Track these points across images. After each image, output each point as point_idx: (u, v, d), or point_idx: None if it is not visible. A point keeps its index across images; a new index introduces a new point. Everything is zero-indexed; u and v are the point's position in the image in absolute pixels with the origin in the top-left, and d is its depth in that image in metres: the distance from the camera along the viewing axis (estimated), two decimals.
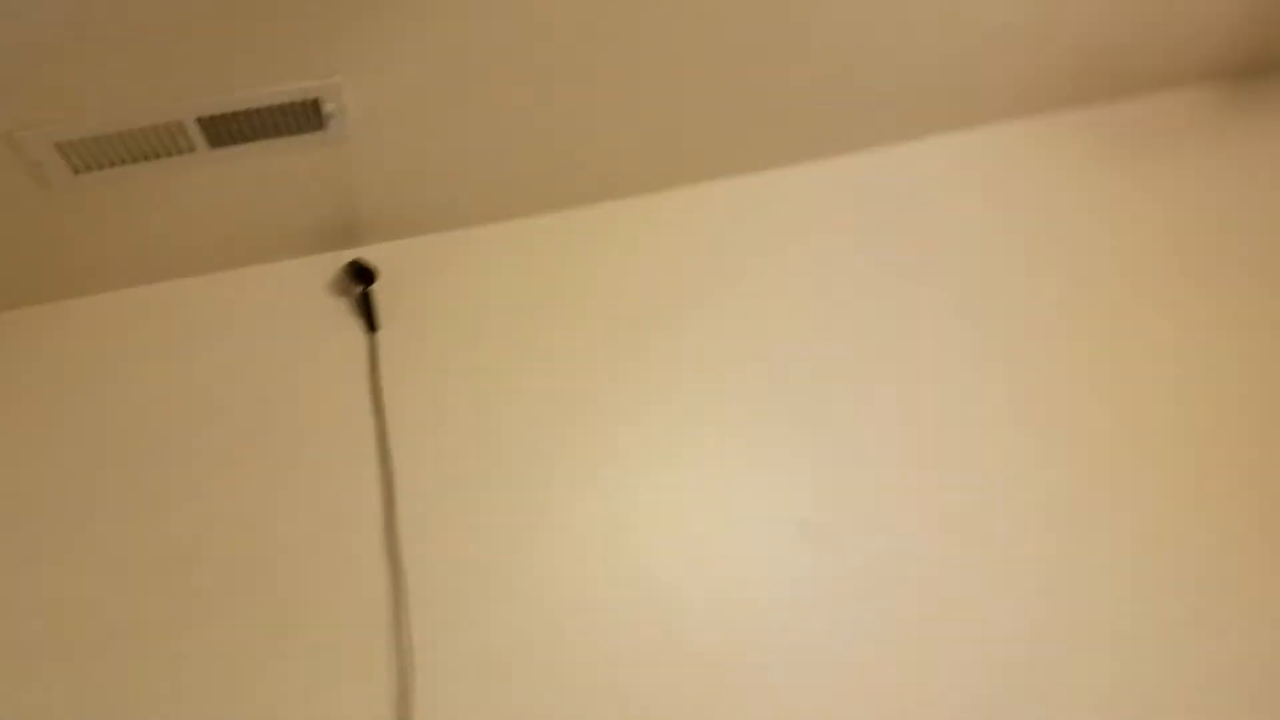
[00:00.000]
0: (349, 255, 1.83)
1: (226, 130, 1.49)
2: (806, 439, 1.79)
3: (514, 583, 1.65)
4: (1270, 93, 2.09)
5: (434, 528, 1.68)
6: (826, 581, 1.69)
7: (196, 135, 1.48)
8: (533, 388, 1.77)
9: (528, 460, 1.73)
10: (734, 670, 1.63)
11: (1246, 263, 1.95)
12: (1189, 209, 1.99)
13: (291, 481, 1.69)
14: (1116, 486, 1.77)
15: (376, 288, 1.81)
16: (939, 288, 1.91)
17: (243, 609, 1.62)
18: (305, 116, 1.52)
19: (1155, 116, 2.06)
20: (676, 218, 1.91)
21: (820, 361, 1.83)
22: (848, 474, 1.77)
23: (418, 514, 1.69)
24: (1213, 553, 1.73)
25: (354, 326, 1.80)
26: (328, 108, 1.51)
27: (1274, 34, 2.02)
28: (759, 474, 1.76)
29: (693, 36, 1.58)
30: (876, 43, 1.71)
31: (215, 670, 1.58)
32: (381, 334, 1.79)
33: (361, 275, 1.80)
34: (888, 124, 1.95)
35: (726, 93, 1.74)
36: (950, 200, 1.98)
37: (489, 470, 1.72)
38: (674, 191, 1.93)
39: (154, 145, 1.47)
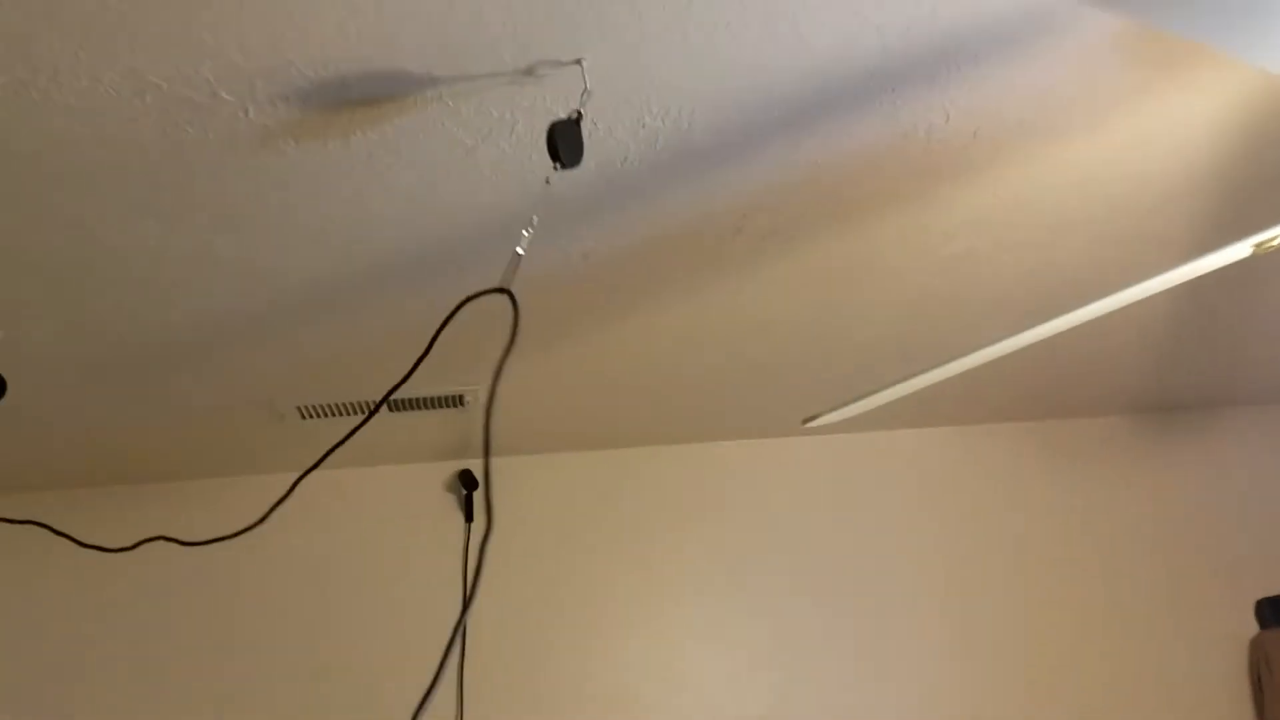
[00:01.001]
0: (462, 465, 2.64)
1: (401, 404, 2.30)
2: (775, 646, 2.55)
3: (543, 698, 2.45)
4: (1170, 427, 2.79)
5: (497, 672, 2.48)
6: None
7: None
8: (581, 583, 2.57)
9: (569, 634, 2.53)
10: None
11: (1135, 565, 2.66)
12: (1098, 514, 2.69)
13: (393, 627, 2.51)
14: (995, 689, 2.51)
15: (477, 492, 2.61)
16: (889, 541, 2.65)
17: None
18: (451, 401, 2.32)
19: (1078, 438, 2.77)
20: (713, 460, 2.68)
21: (793, 592, 2.59)
22: (803, 678, 2.53)
23: (484, 659, 2.49)
24: None
25: (457, 516, 2.60)
26: (467, 399, 2.31)
27: (1178, 381, 2.69)
28: (737, 673, 2.54)
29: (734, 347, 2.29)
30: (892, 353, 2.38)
31: None
32: (475, 524, 2.60)
33: (467, 481, 2.60)
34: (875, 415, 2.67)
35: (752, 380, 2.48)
36: (907, 479, 2.72)
37: (547, 633, 2.52)
38: (711, 443, 2.70)
39: (355, 408, 2.29)
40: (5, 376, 1.76)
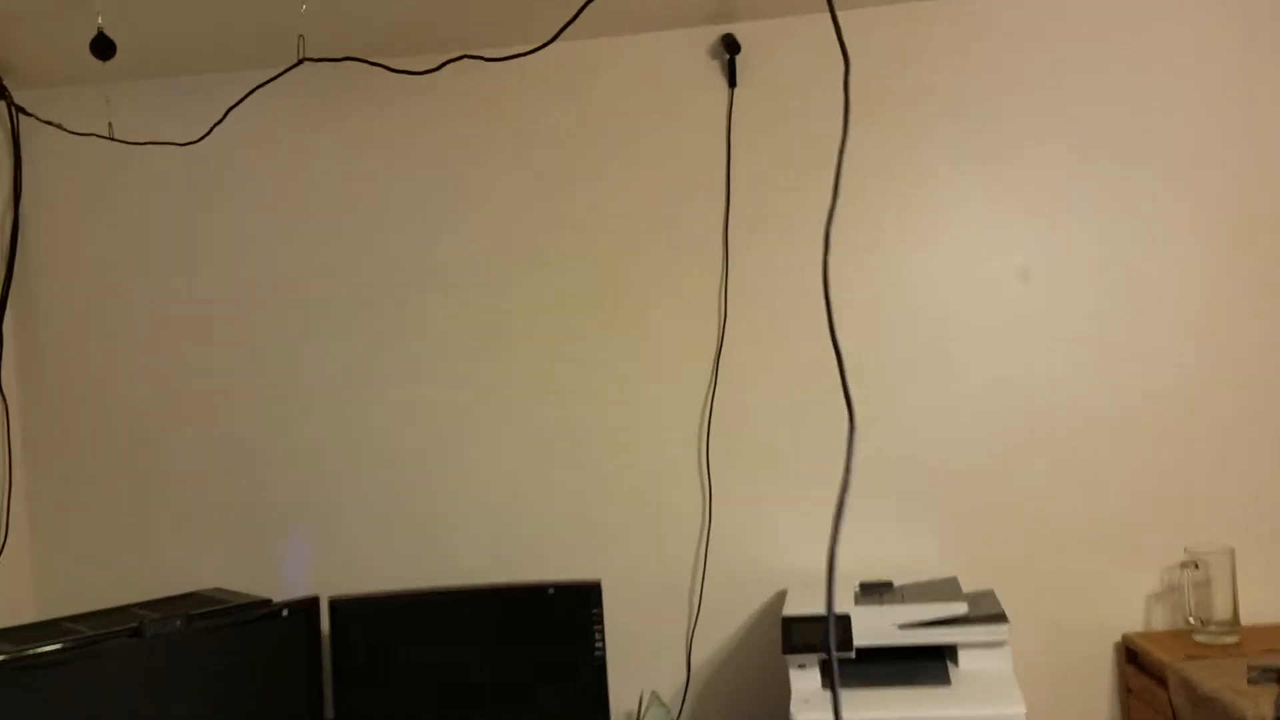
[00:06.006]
0: (724, 30, 2.70)
1: None
2: (1029, 216, 2.60)
3: (810, 284, 2.66)
4: None
5: (756, 230, 2.68)
6: (1031, 299, 2.60)
7: None
8: (847, 147, 2.66)
9: (821, 195, 2.66)
10: (963, 341, 2.61)
11: None
12: None
13: (664, 184, 2.72)
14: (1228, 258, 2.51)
15: (740, 56, 2.68)
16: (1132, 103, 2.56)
17: (609, 273, 2.72)
18: None
19: None
20: (982, 17, 2.62)
21: (1049, 156, 2.59)
22: (1051, 239, 2.59)
23: (746, 218, 2.68)
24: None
25: (721, 83, 2.70)
26: None
27: None
28: (996, 233, 2.61)
29: None
30: None
31: (596, 300, 2.73)
32: (738, 90, 2.69)
33: (730, 45, 2.67)
34: None
35: None
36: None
37: (802, 194, 2.67)
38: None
39: None
40: None
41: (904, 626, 2.28)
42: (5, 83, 2.80)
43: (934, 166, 2.63)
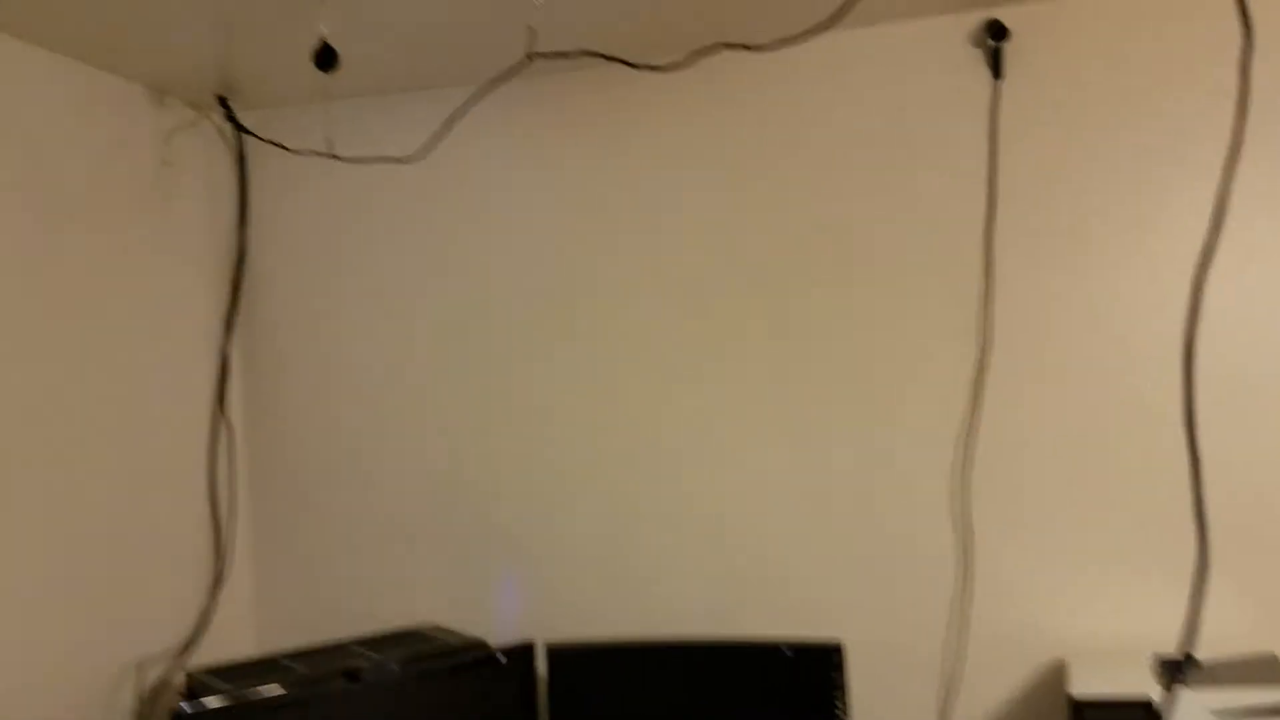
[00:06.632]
0: (988, 14, 2.36)
1: None
2: None
3: (1078, 290, 2.30)
4: None
5: (1028, 241, 2.33)
6: None
7: None
8: (1128, 147, 2.27)
9: (1111, 202, 2.28)
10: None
11: None
12: None
13: (913, 190, 2.40)
14: None
15: (1007, 44, 2.34)
16: None
17: (847, 292, 2.43)
18: None
19: None
20: None
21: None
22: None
23: (1014, 228, 2.34)
24: None
25: (984, 74, 2.37)
26: None
27: None
28: None
29: None
30: None
31: (833, 322, 2.43)
32: (1005, 81, 2.35)
33: (996, 32, 2.33)
34: None
35: None
36: None
37: (1077, 205, 2.30)
38: None
39: None
40: None
41: (1222, 714, 1.89)
42: (230, 104, 2.78)
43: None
